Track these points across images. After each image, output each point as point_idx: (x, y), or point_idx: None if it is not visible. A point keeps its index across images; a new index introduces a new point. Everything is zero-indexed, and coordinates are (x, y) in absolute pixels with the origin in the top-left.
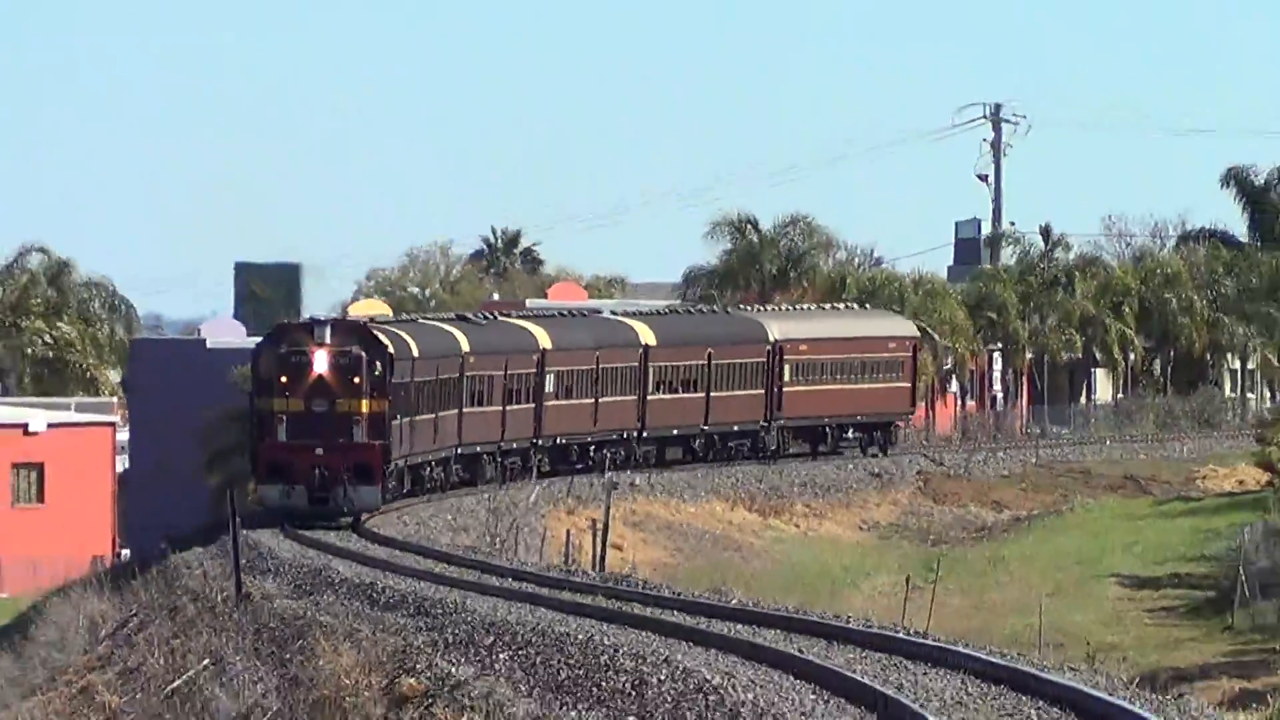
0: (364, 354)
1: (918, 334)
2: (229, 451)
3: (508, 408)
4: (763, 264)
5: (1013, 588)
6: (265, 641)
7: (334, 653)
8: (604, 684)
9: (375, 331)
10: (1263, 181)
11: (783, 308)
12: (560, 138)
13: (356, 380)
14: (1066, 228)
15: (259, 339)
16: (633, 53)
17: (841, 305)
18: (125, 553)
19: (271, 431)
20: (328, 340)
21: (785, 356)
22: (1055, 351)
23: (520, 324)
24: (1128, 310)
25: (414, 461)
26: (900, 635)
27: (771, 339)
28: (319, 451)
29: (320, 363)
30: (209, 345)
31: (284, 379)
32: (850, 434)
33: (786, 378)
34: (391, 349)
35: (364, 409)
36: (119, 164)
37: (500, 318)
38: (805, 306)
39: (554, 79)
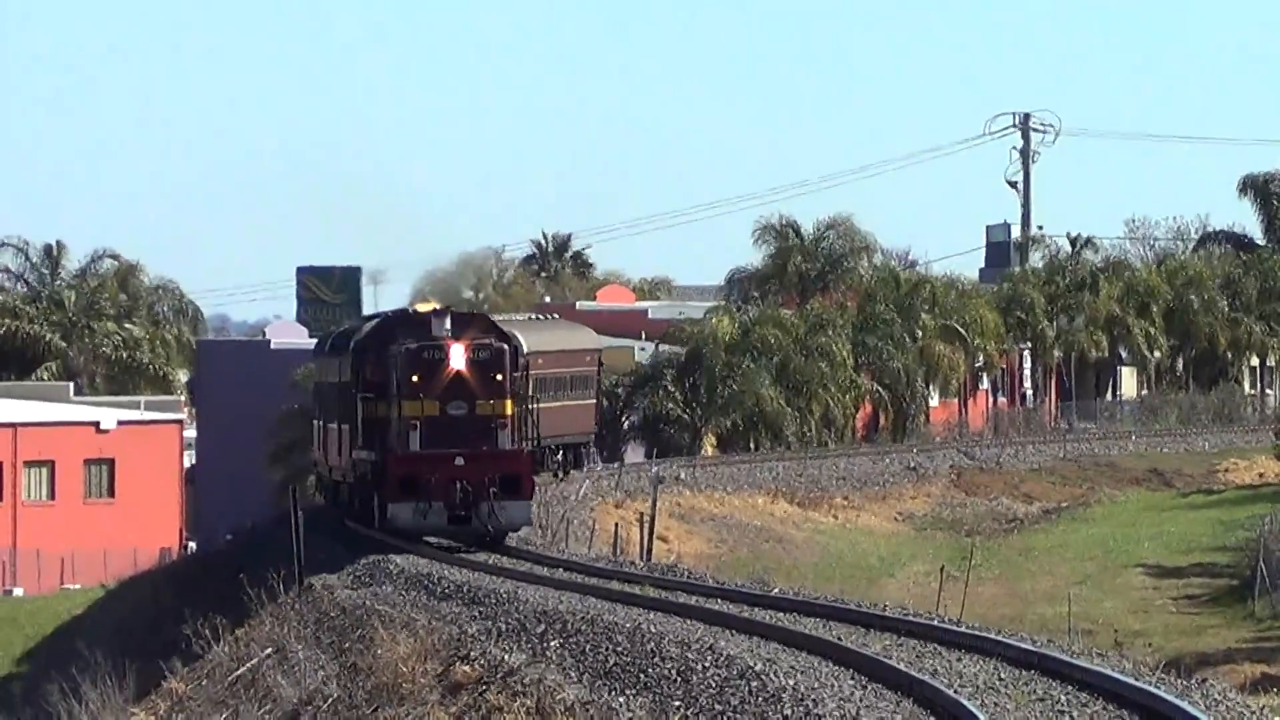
0: (505, 347)
1: (600, 347)
2: (292, 447)
3: None
4: (801, 266)
5: (1043, 577)
6: (326, 631)
7: (392, 641)
8: (650, 670)
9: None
10: (1276, 188)
11: (528, 317)
12: (609, 146)
13: (498, 378)
14: (1092, 231)
15: (351, 331)
16: (679, 65)
17: (535, 315)
18: (192, 545)
19: (402, 440)
20: (463, 332)
21: (531, 371)
22: (1083, 350)
23: None
24: (1153, 310)
25: None
26: (935, 623)
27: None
28: (459, 462)
29: (457, 358)
30: (273, 346)
31: (415, 378)
32: (560, 455)
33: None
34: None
35: (507, 411)
36: (189, 177)
37: None
38: (533, 316)
39: (604, 90)
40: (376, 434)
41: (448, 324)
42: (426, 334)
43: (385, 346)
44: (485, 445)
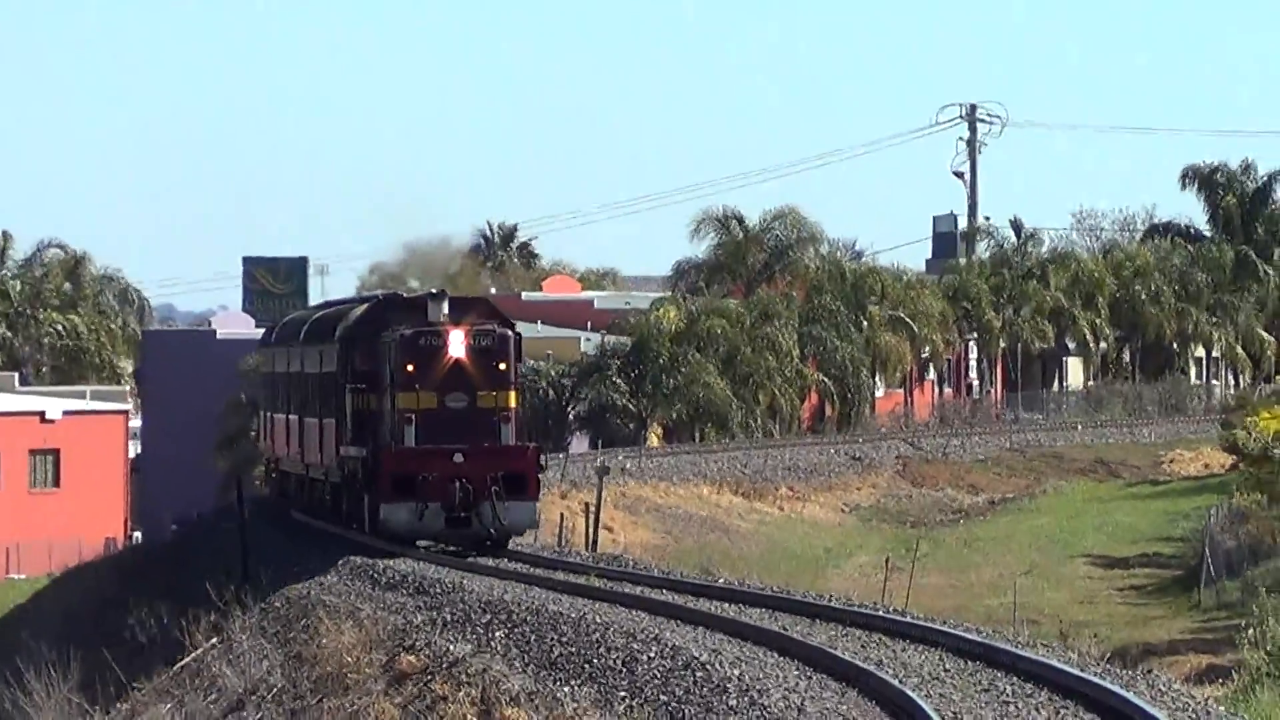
0: (509, 334)
1: None
2: (238, 437)
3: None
4: (749, 257)
5: (988, 567)
6: (270, 620)
7: (336, 631)
8: (596, 661)
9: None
10: (1222, 179)
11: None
12: (554, 136)
13: (502, 367)
14: (1039, 222)
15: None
16: (626, 56)
17: None
18: (137, 535)
19: (396, 435)
20: (463, 317)
21: None
22: (1028, 341)
23: None
24: (1099, 301)
25: None
26: (880, 613)
27: None
28: (459, 458)
29: (457, 346)
30: (219, 336)
31: (411, 367)
32: None
33: None
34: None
35: (511, 403)
36: (135, 168)
37: None
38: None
39: (549, 80)
40: (367, 429)
41: (445, 308)
42: (423, 319)
43: (377, 333)
44: (487, 440)
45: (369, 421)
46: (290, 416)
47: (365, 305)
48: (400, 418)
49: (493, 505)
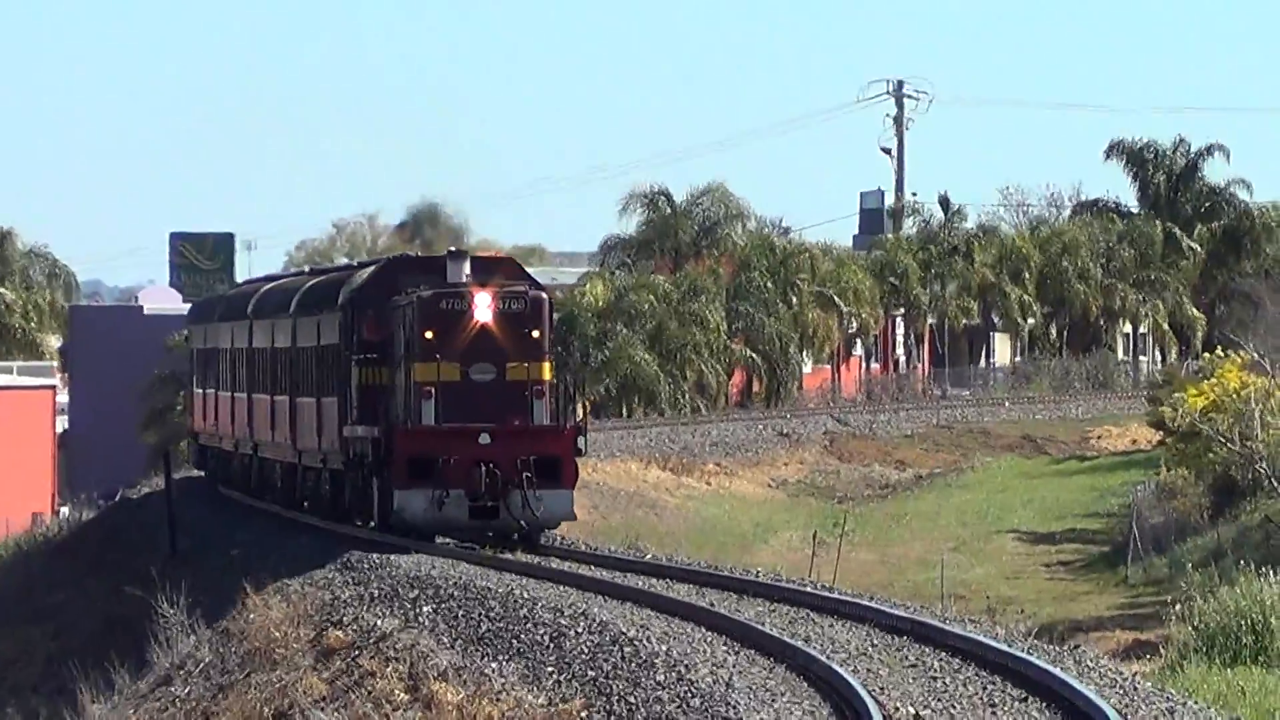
0: (542, 297)
1: None
2: (165, 412)
3: None
4: (678, 233)
5: (916, 543)
6: (198, 595)
7: (264, 607)
8: (523, 636)
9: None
10: (1150, 155)
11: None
12: (480, 113)
13: (535, 334)
14: (966, 198)
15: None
16: (551, 32)
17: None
18: (64, 510)
19: (412, 412)
20: (488, 278)
21: None
22: (954, 317)
23: None
24: (1026, 277)
25: None
26: (808, 589)
27: None
28: (485, 439)
29: (483, 310)
30: (146, 311)
31: (430, 334)
32: None
33: None
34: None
35: (545, 375)
36: (62, 141)
37: None
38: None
39: (474, 57)
40: (378, 406)
41: (467, 268)
42: (441, 281)
43: (388, 298)
44: (518, 419)
45: (380, 398)
46: (277, 397)
47: (372, 268)
48: (418, 392)
49: (523, 493)
